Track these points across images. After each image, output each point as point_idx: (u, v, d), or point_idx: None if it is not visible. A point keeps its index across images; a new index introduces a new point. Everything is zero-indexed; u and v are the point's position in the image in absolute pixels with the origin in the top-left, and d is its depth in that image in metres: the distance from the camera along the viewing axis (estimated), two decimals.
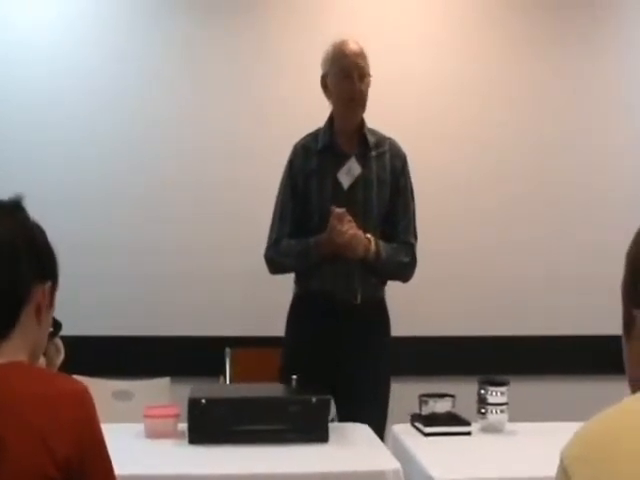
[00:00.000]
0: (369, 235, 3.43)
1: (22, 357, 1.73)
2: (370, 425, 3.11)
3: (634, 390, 1.38)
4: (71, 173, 4.37)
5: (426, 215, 3.60)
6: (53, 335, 1.92)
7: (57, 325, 1.90)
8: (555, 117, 4.65)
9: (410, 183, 3.60)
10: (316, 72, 3.60)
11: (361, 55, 3.49)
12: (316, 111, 3.62)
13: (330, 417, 2.99)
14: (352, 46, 3.50)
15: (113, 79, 4.41)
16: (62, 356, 2.03)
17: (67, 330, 1.98)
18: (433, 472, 2.59)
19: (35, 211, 1.79)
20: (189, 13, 4.46)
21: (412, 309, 4.28)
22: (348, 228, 3.33)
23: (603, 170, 4.65)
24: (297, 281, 3.62)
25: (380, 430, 3.19)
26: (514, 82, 4.63)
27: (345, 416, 3.29)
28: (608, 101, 4.68)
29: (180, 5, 4.46)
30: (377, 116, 3.60)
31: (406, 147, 3.62)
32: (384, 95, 4.03)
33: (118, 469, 1.74)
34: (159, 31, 4.45)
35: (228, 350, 4.23)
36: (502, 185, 4.60)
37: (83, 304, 4.16)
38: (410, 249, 3.56)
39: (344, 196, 3.46)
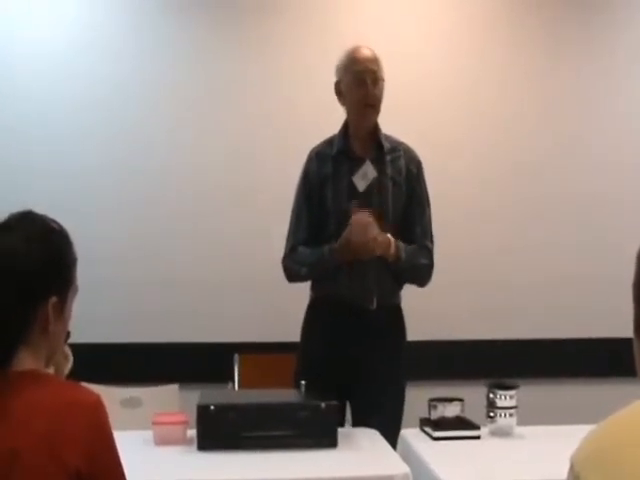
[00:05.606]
0: (389, 235, 3.42)
1: (35, 366, 1.72)
2: (384, 431, 3.09)
3: None
4: (78, 180, 4.37)
5: (437, 219, 3.59)
6: None
7: (66, 333, 1.90)
8: (561, 120, 4.64)
9: (426, 189, 3.59)
10: (327, 77, 3.58)
11: (374, 60, 3.50)
12: (327, 117, 3.60)
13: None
14: (365, 52, 3.52)
15: (113, 85, 4.41)
16: (70, 364, 2.03)
17: (76, 338, 1.98)
18: (442, 476, 2.59)
19: None
20: (197, 16, 4.46)
21: (420, 313, 4.26)
22: (372, 229, 3.33)
23: (611, 172, 4.64)
24: (313, 287, 3.60)
25: (394, 436, 3.17)
26: (523, 84, 4.62)
27: (360, 421, 3.28)
28: (613, 105, 4.67)
29: (188, 8, 4.45)
30: (390, 120, 3.58)
31: (417, 150, 3.61)
32: (396, 99, 4.02)
33: (128, 476, 1.74)
34: (166, 34, 4.45)
35: (237, 356, 4.22)
36: (515, 188, 4.59)
37: (92, 312, 4.13)
38: (428, 252, 3.55)
39: (359, 200, 3.46)
